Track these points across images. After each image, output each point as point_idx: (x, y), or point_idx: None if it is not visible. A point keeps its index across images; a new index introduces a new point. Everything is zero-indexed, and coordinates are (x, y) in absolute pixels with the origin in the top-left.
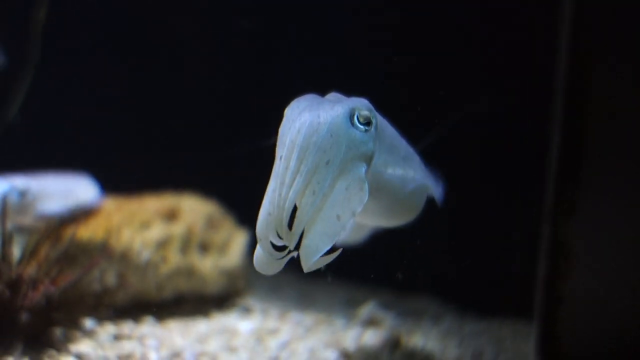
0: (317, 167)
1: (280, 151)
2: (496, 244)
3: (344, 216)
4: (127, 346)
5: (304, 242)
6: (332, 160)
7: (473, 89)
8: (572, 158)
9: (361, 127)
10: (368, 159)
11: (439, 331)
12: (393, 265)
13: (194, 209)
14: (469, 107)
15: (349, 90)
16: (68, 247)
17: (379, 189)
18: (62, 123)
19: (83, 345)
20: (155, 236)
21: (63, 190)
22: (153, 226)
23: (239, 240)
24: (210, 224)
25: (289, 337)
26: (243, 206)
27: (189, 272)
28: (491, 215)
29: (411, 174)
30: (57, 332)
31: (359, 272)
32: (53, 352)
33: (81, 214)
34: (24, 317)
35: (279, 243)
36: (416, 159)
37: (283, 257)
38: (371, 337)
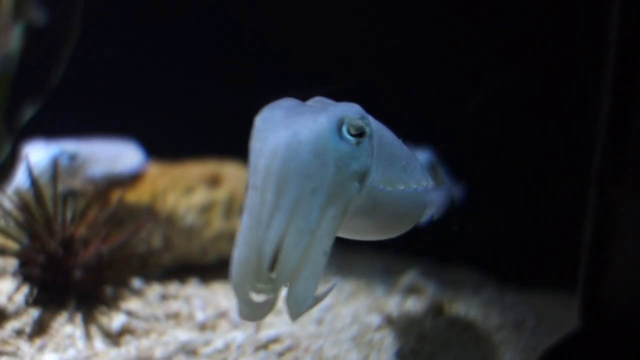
0: (301, 198)
1: (253, 179)
2: (538, 213)
3: (329, 250)
4: (174, 305)
5: (291, 289)
6: (318, 187)
7: (523, 51)
8: (621, 120)
9: (352, 139)
10: (362, 177)
11: (480, 300)
12: (432, 236)
13: (236, 176)
14: (515, 69)
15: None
16: (116, 209)
17: (376, 208)
18: (108, 88)
19: (132, 304)
20: (199, 201)
21: (110, 155)
22: (197, 191)
23: None
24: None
25: (331, 302)
26: None
27: (232, 236)
28: (533, 183)
29: (413, 187)
30: (108, 290)
31: (397, 242)
32: (104, 308)
33: (127, 179)
34: (76, 274)
35: (258, 295)
36: (417, 164)
37: (268, 304)
38: (413, 304)
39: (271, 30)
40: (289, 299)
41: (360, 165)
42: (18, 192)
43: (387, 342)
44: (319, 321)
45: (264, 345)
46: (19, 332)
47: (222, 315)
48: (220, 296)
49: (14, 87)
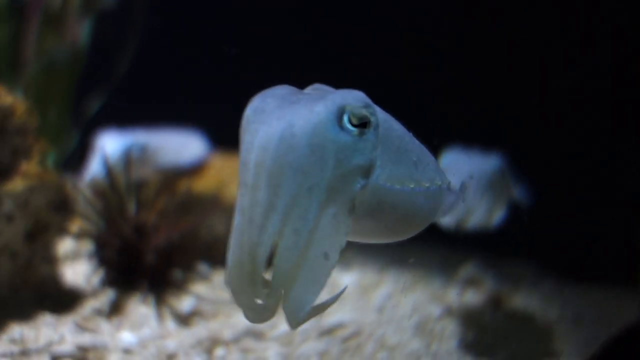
0: (297, 196)
1: (244, 175)
2: (597, 208)
3: (332, 253)
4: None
5: (288, 295)
6: (316, 183)
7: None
8: None
9: (354, 130)
10: (366, 172)
11: (539, 294)
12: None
13: None
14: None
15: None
16: (184, 198)
17: (382, 209)
18: (174, 79)
19: (200, 287)
20: None
21: (177, 146)
22: None
23: None
24: None
25: (390, 291)
26: None
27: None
28: (594, 179)
29: (425, 185)
30: (177, 273)
31: (453, 234)
32: (174, 290)
33: (192, 168)
34: (148, 258)
35: (259, 299)
36: (430, 160)
37: (273, 306)
38: (472, 296)
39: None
40: (285, 306)
41: (364, 158)
42: (94, 181)
43: (448, 332)
44: (380, 309)
45: (328, 331)
46: (97, 312)
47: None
48: None
49: (82, 78)
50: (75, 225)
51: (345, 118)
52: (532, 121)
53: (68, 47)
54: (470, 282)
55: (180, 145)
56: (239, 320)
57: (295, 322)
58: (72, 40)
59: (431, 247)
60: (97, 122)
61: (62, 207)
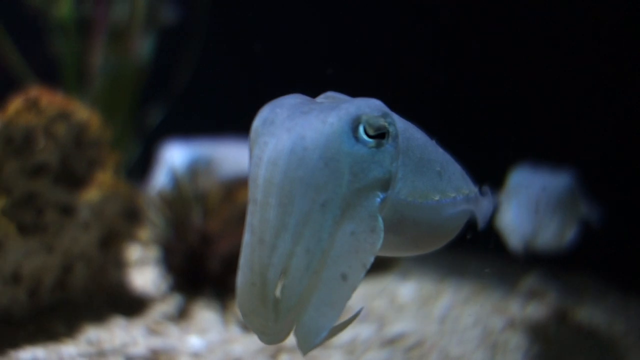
0: (310, 214)
1: (253, 191)
2: None
3: (352, 274)
4: None
5: (301, 319)
6: (330, 199)
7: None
8: None
9: (371, 141)
10: (385, 185)
11: (604, 307)
12: None
13: None
14: None
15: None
16: (245, 207)
17: (404, 224)
18: (234, 89)
19: None
20: None
21: (238, 156)
22: None
23: None
24: None
25: (451, 302)
26: None
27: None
28: None
29: (451, 195)
30: None
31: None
32: None
33: None
34: (213, 265)
35: (271, 322)
36: (456, 168)
37: (287, 328)
38: (535, 309)
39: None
40: (297, 331)
41: (383, 171)
42: (162, 190)
43: (512, 344)
44: (442, 320)
45: (390, 341)
46: (166, 316)
47: (344, 309)
48: None
49: (145, 90)
50: (144, 233)
51: (361, 129)
52: (602, 138)
53: (132, 60)
54: (533, 294)
55: (242, 156)
56: None
57: (307, 347)
58: (136, 54)
59: (488, 257)
60: (159, 132)
61: (133, 216)
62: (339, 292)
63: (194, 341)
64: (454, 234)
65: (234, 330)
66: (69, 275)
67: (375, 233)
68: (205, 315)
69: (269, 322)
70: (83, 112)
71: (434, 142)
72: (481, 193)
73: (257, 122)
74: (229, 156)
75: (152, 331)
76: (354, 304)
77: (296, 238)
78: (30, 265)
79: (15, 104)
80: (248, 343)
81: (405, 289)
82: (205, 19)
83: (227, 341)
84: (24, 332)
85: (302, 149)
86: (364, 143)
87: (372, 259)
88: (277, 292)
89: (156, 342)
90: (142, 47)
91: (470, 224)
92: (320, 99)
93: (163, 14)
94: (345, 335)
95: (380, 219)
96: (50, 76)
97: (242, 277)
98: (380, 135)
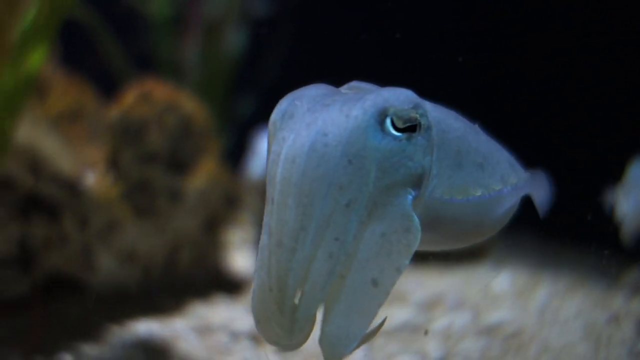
0: (332, 214)
1: (270, 190)
2: None
3: (384, 279)
4: None
5: (326, 328)
6: (355, 199)
7: None
8: None
9: (400, 135)
10: (417, 181)
11: None
12: None
13: None
14: None
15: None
16: None
17: (442, 222)
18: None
19: None
20: None
21: None
22: None
23: None
24: None
25: (549, 293)
26: None
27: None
28: None
29: (496, 188)
30: None
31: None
32: None
33: None
34: None
35: (288, 332)
36: (501, 156)
37: (305, 334)
38: None
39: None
40: (322, 340)
41: (414, 166)
42: (258, 177)
43: (616, 338)
44: (541, 311)
45: (487, 330)
46: None
47: (438, 297)
48: (431, 281)
49: (238, 80)
50: (243, 216)
51: (388, 121)
52: None
53: (225, 53)
54: (638, 289)
55: None
56: (392, 314)
57: (335, 358)
58: (229, 47)
59: (583, 249)
60: (251, 122)
61: (233, 200)
62: (369, 298)
63: None
64: (503, 224)
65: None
66: (177, 256)
67: (411, 233)
68: None
69: (285, 332)
70: (189, 104)
71: (476, 128)
72: (535, 178)
73: (275, 116)
74: None
75: None
76: (447, 293)
77: (317, 241)
78: (144, 246)
79: (130, 96)
80: None
81: (499, 279)
82: (296, 12)
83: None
84: (139, 306)
85: (323, 145)
86: (393, 137)
87: (407, 262)
88: (297, 300)
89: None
90: (235, 40)
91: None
92: (344, 89)
93: (255, 8)
94: (439, 323)
95: (415, 218)
96: (146, 71)
97: (258, 282)
98: (410, 127)
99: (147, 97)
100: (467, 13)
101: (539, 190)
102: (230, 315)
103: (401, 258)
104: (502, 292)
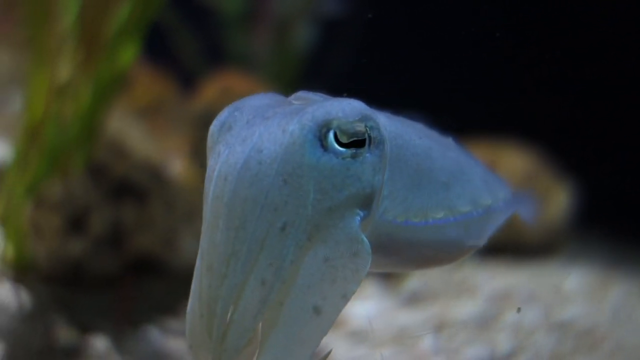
0: (266, 238)
1: (204, 209)
2: None
3: (327, 307)
4: (456, 276)
5: (261, 358)
6: (291, 222)
7: None
8: None
9: (344, 151)
10: (366, 201)
11: None
12: None
13: (512, 162)
14: None
15: None
16: None
17: (396, 246)
18: (394, 74)
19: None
20: None
21: None
22: None
23: (558, 194)
24: (528, 178)
25: (624, 292)
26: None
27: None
28: None
29: (463, 210)
30: None
31: None
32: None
33: None
34: None
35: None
36: (474, 176)
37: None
38: None
39: None
40: None
41: (361, 186)
42: None
43: None
44: (615, 310)
45: (558, 326)
46: None
47: (508, 291)
48: (502, 274)
49: (306, 76)
50: None
51: (331, 136)
52: None
53: (295, 50)
54: None
55: None
56: (462, 306)
57: None
58: (299, 43)
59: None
60: None
61: None
62: (310, 327)
63: (359, 309)
64: (478, 247)
65: (395, 303)
66: None
67: (360, 257)
68: (365, 283)
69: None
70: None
71: (447, 143)
72: (518, 197)
73: (213, 127)
74: None
75: None
76: (517, 287)
77: (249, 267)
78: None
79: (212, 89)
80: (412, 315)
81: (571, 276)
82: (365, 11)
83: (390, 310)
84: None
85: (257, 162)
86: (336, 153)
87: (355, 288)
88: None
89: None
90: (305, 36)
91: None
92: (292, 99)
93: (327, 6)
94: (509, 317)
95: (364, 240)
96: (217, 65)
97: (190, 306)
98: (357, 142)
99: (228, 90)
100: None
101: (525, 209)
102: None
103: (348, 284)
104: (574, 288)
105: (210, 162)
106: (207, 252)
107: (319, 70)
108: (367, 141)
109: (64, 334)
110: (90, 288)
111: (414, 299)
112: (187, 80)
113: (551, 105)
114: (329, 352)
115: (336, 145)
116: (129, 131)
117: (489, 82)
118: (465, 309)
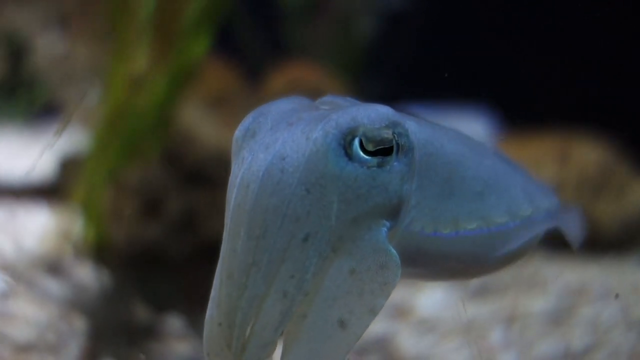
0: (288, 249)
1: (226, 215)
2: None
3: (354, 321)
4: (526, 269)
5: None
6: (314, 233)
7: None
8: None
9: (370, 160)
10: (392, 212)
11: None
12: None
13: (586, 155)
14: None
15: None
16: None
17: (424, 256)
18: (457, 56)
19: None
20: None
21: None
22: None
23: (636, 188)
24: (602, 171)
25: None
26: None
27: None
28: None
29: (498, 221)
30: None
31: None
32: None
33: None
34: None
35: None
36: (514, 185)
37: None
38: None
39: None
40: None
41: (387, 196)
42: None
43: None
44: None
45: (638, 324)
46: None
47: (582, 286)
48: (575, 269)
49: (365, 70)
50: None
51: (356, 144)
52: None
53: (355, 41)
54: None
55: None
56: (537, 298)
57: None
58: (360, 36)
59: None
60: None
61: None
62: (335, 341)
63: (424, 302)
64: (517, 260)
65: (463, 292)
66: None
67: (389, 270)
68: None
69: None
70: (336, 88)
71: (483, 150)
72: (565, 210)
73: (238, 133)
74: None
75: None
76: (592, 283)
77: (270, 278)
78: None
79: (280, 80)
80: (479, 309)
81: None
82: (428, 7)
83: (455, 304)
84: None
85: (280, 170)
86: (361, 162)
87: (383, 302)
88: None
89: (394, 297)
90: (366, 30)
91: None
92: (319, 103)
93: (388, 0)
94: (584, 312)
95: (392, 252)
96: (280, 56)
97: (208, 312)
98: (384, 150)
99: (298, 81)
100: None
101: (570, 224)
102: None
103: (376, 298)
104: None
105: (233, 169)
106: (228, 259)
107: (381, 62)
108: (394, 149)
109: (142, 313)
110: (165, 270)
111: (483, 291)
112: (252, 72)
113: (628, 95)
114: None
115: (361, 154)
116: (200, 121)
117: (563, 72)
118: (537, 303)
